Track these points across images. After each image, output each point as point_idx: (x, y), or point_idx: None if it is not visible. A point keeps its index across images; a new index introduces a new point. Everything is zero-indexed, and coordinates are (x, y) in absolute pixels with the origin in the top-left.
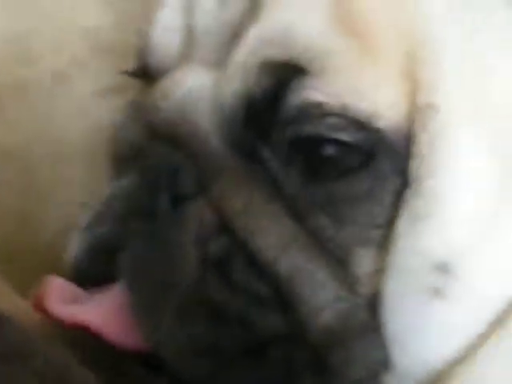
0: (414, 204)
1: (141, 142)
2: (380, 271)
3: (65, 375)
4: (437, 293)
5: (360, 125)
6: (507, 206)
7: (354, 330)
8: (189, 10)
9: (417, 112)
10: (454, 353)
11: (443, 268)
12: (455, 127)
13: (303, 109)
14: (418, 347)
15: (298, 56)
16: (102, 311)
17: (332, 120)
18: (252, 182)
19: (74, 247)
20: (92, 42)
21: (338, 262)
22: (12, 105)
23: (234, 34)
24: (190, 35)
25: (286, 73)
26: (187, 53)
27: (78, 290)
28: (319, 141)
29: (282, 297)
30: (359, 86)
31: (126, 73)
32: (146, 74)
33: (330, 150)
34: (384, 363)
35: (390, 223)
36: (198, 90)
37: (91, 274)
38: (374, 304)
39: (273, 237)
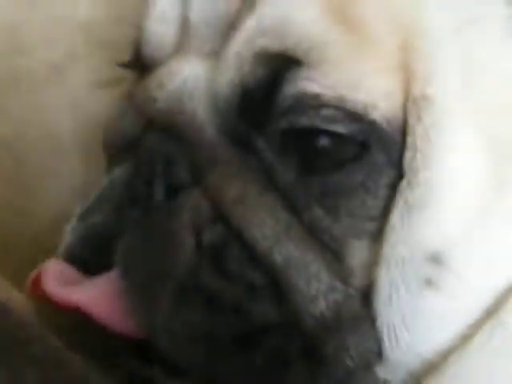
0: (409, 195)
1: (136, 131)
2: (374, 263)
3: (63, 361)
4: (430, 284)
5: (355, 116)
6: (501, 197)
7: (347, 320)
8: (184, 0)
9: (412, 103)
10: (447, 343)
11: (436, 259)
12: (450, 118)
13: (299, 100)
14: (410, 338)
15: (293, 47)
16: (95, 293)
17: (328, 111)
18: (247, 172)
19: (68, 236)
20: (86, 34)
21: (333, 252)
22: (5, 95)
23: (230, 25)
24: (185, 25)
25: (281, 63)
26: (183, 43)
27: (76, 274)
28: (314, 132)
29: (276, 286)
30: (355, 77)
31: (122, 64)
32: (142, 64)
33: (324, 142)
34: (377, 353)
35: (384, 215)
36: (194, 79)
37: (84, 262)
38: (367, 295)
39: (267, 227)
